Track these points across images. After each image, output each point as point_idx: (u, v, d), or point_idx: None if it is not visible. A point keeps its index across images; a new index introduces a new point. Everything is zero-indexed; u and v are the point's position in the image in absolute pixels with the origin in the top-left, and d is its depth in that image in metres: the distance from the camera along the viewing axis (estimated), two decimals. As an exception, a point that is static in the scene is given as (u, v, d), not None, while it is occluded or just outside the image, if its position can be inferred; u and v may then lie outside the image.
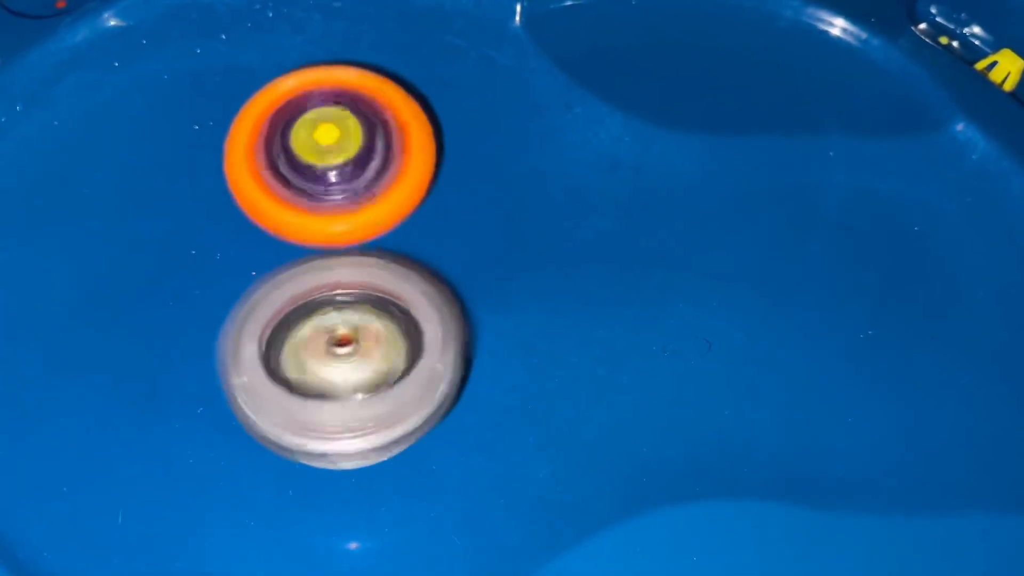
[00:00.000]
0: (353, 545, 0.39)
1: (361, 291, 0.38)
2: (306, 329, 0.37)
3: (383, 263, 0.39)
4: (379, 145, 0.41)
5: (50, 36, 0.46)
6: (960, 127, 0.48)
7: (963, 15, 0.50)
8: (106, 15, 0.47)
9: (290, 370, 0.37)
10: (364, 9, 0.49)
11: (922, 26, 0.50)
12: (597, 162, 0.47)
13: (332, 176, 0.41)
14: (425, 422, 0.36)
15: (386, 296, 0.38)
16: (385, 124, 0.42)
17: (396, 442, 0.36)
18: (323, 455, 0.36)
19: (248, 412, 0.36)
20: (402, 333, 0.37)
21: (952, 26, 0.50)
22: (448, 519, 0.40)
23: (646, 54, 0.49)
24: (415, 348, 0.37)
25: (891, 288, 0.45)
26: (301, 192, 0.41)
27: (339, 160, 0.41)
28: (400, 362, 0.37)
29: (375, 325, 0.38)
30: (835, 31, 0.49)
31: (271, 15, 0.48)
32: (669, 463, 0.41)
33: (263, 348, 0.37)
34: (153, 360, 0.41)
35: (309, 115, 0.42)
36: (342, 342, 0.37)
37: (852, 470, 0.41)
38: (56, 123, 0.46)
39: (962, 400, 0.43)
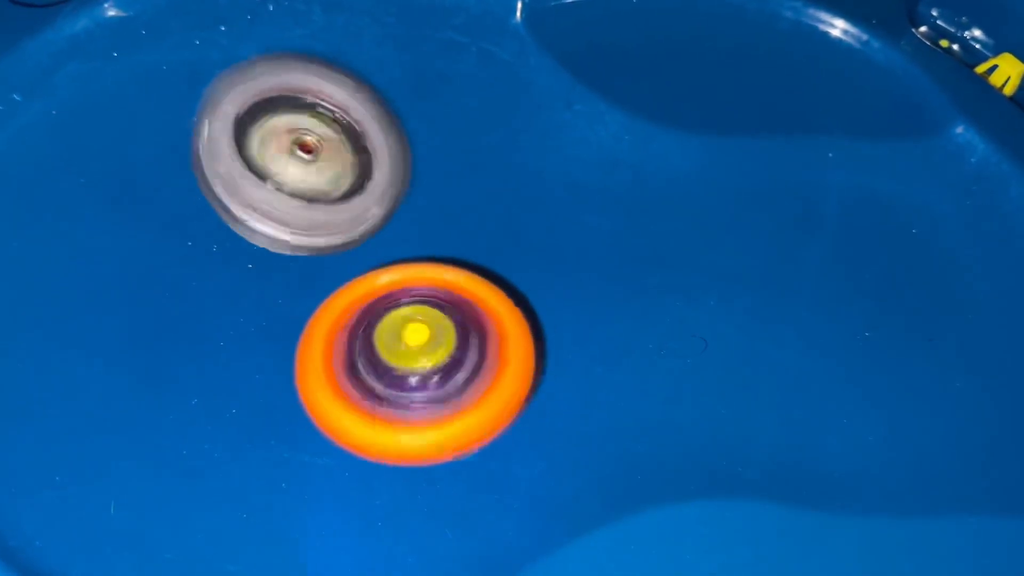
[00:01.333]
0: (347, 537, 0.39)
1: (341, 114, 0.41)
2: (281, 121, 0.41)
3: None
4: (472, 350, 0.37)
5: (49, 26, 0.46)
6: (960, 130, 0.48)
7: (964, 18, 0.50)
8: (106, 5, 0.47)
9: (254, 149, 0.41)
10: (364, 3, 0.49)
11: (923, 29, 0.50)
12: (597, 160, 0.47)
13: (416, 381, 0.37)
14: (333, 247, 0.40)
15: (356, 128, 0.41)
16: (481, 329, 0.38)
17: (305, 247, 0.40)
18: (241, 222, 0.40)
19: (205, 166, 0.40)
20: (354, 163, 0.41)
21: (953, 29, 0.51)
22: (443, 514, 0.40)
23: (647, 52, 0.49)
24: (360, 181, 0.41)
25: (888, 290, 0.45)
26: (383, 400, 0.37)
27: (429, 365, 0.37)
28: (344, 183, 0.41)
29: (339, 146, 0.41)
30: (836, 33, 0.50)
31: (271, 8, 0.48)
32: (664, 461, 0.41)
33: (240, 112, 0.41)
34: (148, 350, 0.41)
35: (400, 311, 0.38)
36: (306, 147, 0.41)
37: (847, 470, 0.41)
38: (55, 112, 0.45)
39: (958, 401, 0.43)
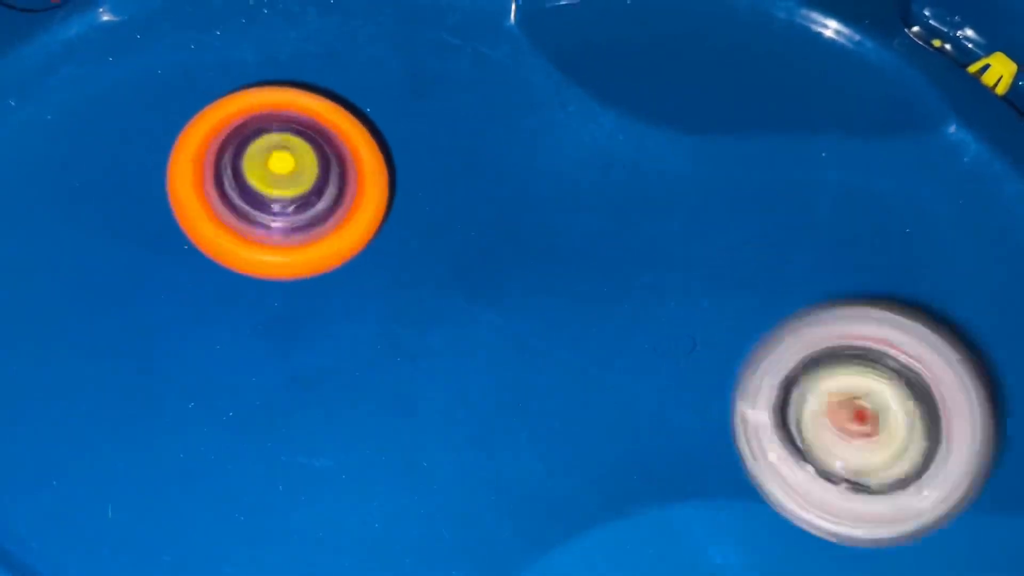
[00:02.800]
0: (344, 540, 0.39)
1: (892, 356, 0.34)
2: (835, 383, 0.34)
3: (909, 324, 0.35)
4: (332, 177, 0.41)
5: (43, 30, 0.46)
6: (952, 129, 0.48)
7: (957, 18, 0.50)
8: (100, 9, 0.47)
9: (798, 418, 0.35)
10: (359, 4, 0.49)
11: (915, 29, 0.51)
12: (590, 160, 0.47)
13: (280, 207, 0.41)
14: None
15: (918, 372, 0.34)
16: (340, 156, 0.42)
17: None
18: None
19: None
20: (924, 423, 0.34)
21: (945, 29, 0.51)
22: (439, 514, 0.40)
23: (641, 53, 0.49)
24: (933, 447, 0.34)
25: (881, 289, 0.45)
26: (246, 219, 0.41)
27: (294, 192, 0.40)
28: (915, 458, 0.34)
29: (897, 407, 0.34)
30: (828, 33, 0.50)
31: (266, 10, 0.48)
32: (659, 461, 0.41)
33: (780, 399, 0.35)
34: (143, 353, 0.41)
35: (262, 140, 0.41)
36: (859, 416, 0.34)
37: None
38: (49, 117, 0.45)
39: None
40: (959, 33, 0.51)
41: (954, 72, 0.49)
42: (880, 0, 0.50)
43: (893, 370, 0.34)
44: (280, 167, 0.41)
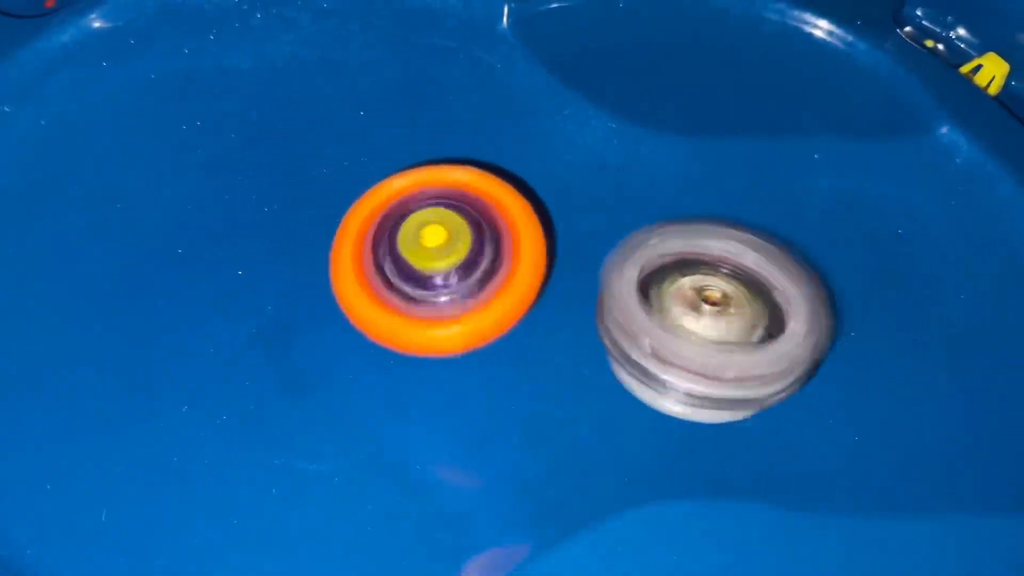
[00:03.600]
0: (340, 543, 0.40)
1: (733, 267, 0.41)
2: (684, 282, 0.40)
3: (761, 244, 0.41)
4: (488, 248, 0.40)
5: (38, 36, 0.46)
6: (945, 130, 0.48)
7: (949, 18, 0.51)
8: (94, 15, 0.47)
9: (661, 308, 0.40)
10: (353, 9, 0.49)
11: (908, 29, 0.51)
12: (584, 163, 0.47)
13: (439, 279, 0.39)
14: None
15: (763, 283, 0.40)
16: (494, 225, 0.41)
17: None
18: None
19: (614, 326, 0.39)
20: (764, 314, 0.40)
21: (938, 29, 0.51)
22: (435, 518, 0.40)
23: (634, 56, 0.49)
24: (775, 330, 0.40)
25: (875, 290, 0.45)
26: (407, 297, 0.40)
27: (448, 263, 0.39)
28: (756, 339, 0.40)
29: (745, 299, 0.40)
30: (820, 34, 0.50)
31: (260, 15, 0.48)
32: (653, 462, 0.41)
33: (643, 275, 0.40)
34: (139, 357, 0.41)
35: (416, 216, 0.40)
36: (710, 301, 0.40)
37: (833, 469, 0.41)
38: (44, 122, 0.46)
39: (943, 400, 0.43)
40: (951, 33, 0.51)
41: (946, 72, 0.49)
42: (872, 1, 0.51)
43: (735, 275, 0.40)
44: (433, 240, 0.40)
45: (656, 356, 0.39)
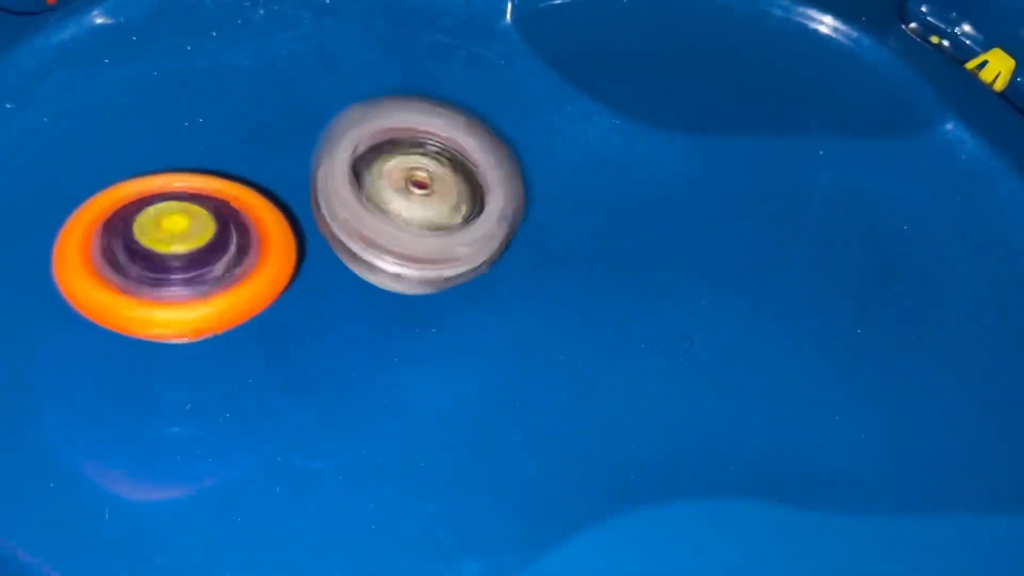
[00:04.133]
0: (340, 541, 0.40)
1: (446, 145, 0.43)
2: (393, 162, 0.42)
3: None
4: (233, 235, 0.40)
5: (39, 33, 0.46)
6: (950, 126, 0.48)
7: (954, 14, 0.51)
8: (95, 12, 0.47)
9: (370, 189, 0.41)
10: (354, 6, 0.49)
11: (912, 25, 0.51)
12: (585, 160, 0.47)
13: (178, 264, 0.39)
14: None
15: (466, 163, 0.43)
16: (236, 216, 0.40)
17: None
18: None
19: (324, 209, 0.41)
20: (468, 194, 0.42)
21: (943, 25, 0.51)
22: (435, 516, 0.40)
23: (636, 53, 0.50)
24: (476, 210, 0.42)
25: (877, 287, 0.45)
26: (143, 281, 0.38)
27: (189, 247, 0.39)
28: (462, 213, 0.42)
29: (451, 180, 0.42)
30: (825, 30, 0.50)
31: (261, 12, 0.49)
32: (653, 460, 0.41)
33: (355, 156, 0.42)
34: (140, 358, 0.42)
35: (151, 209, 0.39)
36: (419, 184, 0.42)
37: (837, 467, 0.41)
38: (45, 120, 0.46)
39: (946, 399, 0.43)
40: (956, 29, 0.51)
41: (951, 69, 0.50)
42: None
43: (437, 152, 0.43)
44: (174, 226, 0.39)
45: (364, 240, 0.40)
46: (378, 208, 0.41)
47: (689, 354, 0.43)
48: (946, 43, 0.51)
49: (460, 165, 0.42)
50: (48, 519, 0.39)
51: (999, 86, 0.49)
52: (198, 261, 0.39)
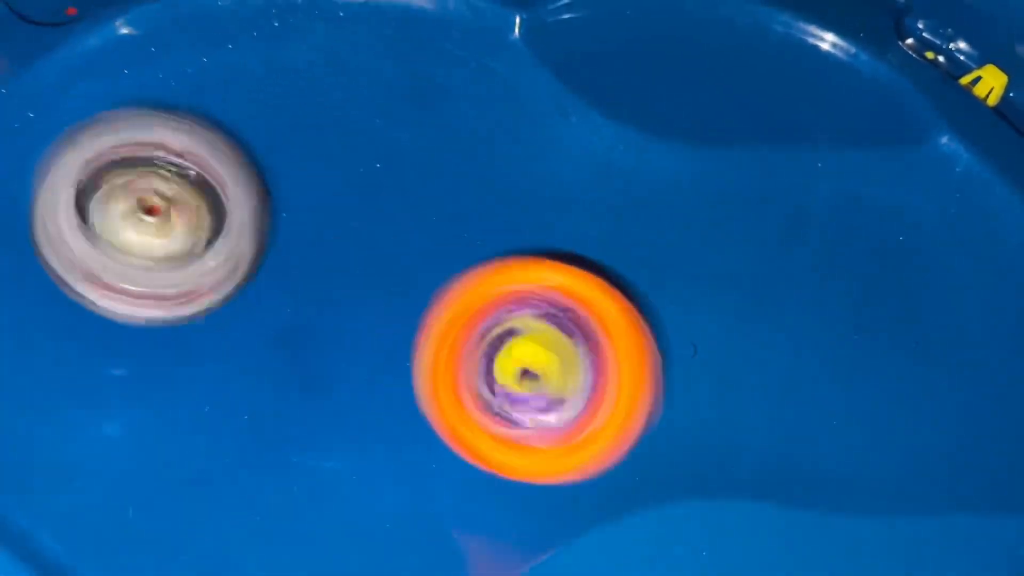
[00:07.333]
0: (354, 539, 0.40)
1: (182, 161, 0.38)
2: (120, 183, 0.38)
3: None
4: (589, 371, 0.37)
5: (61, 43, 0.47)
6: (945, 140, 0.48)
7: (949, 31, 0.51)
8: (116, 23, 0.47)
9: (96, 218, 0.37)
10: (366, 18, 0.49)
11: (909, 41, 0.51)
12: (592, 169, 0.48)
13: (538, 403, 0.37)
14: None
15: (206, 178, 0.38)
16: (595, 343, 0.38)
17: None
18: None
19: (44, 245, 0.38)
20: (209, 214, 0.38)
21: (938, 42, 0.51)
22: (443, 516, 0.41)
23: (641, 66, 0.50)
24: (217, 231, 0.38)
25: (875, 295, 0.46)
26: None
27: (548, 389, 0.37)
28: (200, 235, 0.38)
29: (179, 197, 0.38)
30: (824, 45, 0.50)
31: (276, 24, 0.49)
32: (658, 462, 0.42)
33: (81, 179, 0.38)
34: (162, 362, 0.42)
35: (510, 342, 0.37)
36: (151, 210, 0.38)
37: (836, 470, 0.42)
38: (65, 128, 0.46)
39: (941, 403, 0.44)
40: (952, 46, 0.51)
41: (946, 84, 0.50)
42: (875, 13, 0.51)
43: (170, 168, 0.38)
44: (531, 358, 0.37)
45: (98, 283, 0.37)
46: (106, 241, 0.37)
47: (692, 358, 0.44)
48: (941, 59, 0.51)
49: (199, 182, 0.39)
50: (75, 518, 0.39)
51: (992, 101, 0.50)
52: (557, 401, 0.37)
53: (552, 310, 0.38)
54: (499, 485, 0.41)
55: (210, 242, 0.38)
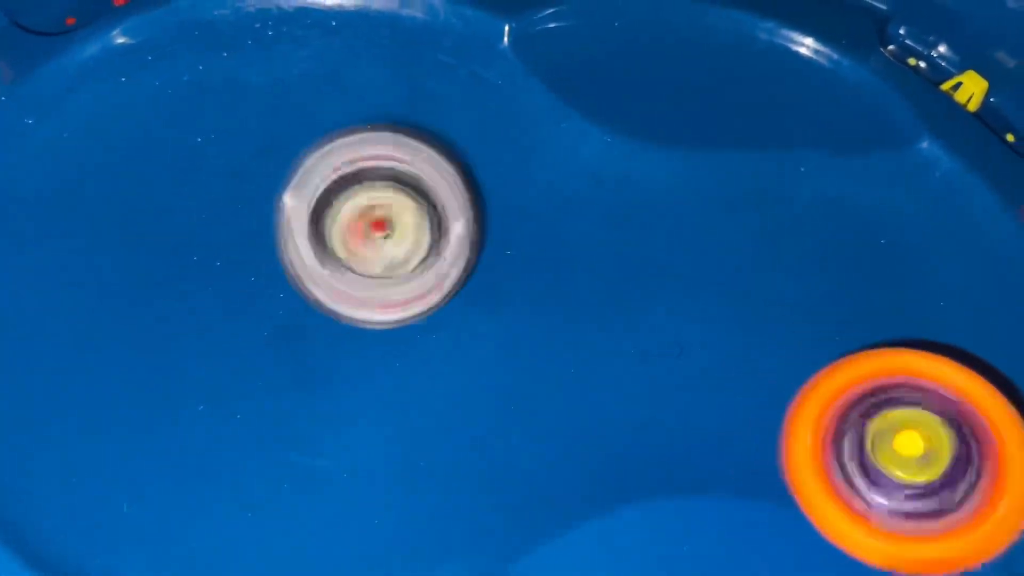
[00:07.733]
0: (346, 536, 0.41)
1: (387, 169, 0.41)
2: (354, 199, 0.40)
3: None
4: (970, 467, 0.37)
5: (61, 52, 0.47)
6: (926, 144, 0.49)
7: (931, 38, 0.51)
8: (114, 32, 0.48)
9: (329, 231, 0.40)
10: (359, 27, 0.50)
11: (891, 48, 0.52)
12: (582, 175, 0.48)
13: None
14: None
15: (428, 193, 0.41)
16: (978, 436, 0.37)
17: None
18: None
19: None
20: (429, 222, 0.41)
21: (920, 48, 0.52)
22: (438, 512, 0.41)
23: (629, 73, 0.50)
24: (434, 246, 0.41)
25: (859, 296, 0.46)
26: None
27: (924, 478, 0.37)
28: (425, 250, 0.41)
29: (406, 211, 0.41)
30: (807, 52, 0.50)
31: (271, 33, 0.49)
32: (644, 460, 0.42)
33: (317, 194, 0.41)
34: (158, 359, 0.43)
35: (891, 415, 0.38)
36: (379, 224, 0.40)
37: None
38: (66, 135, 0.47)
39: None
40: (933, 52, 0.52)
41: (928, 89, 0.50)
42: (857, 20, 0.51)
43: (400, 182, 0.41)
44: (908, 449, 0.37)
45: (339, 298, 0.40)
46: (337, 255, 0.40)
47: (681, 358, 0.44)
48: (923, 65, 0.51)
49: (420, 194, 0.41)
50: (71, 512, 0.40)
51: (972, 106, 0.50)
52: (932, 492, 0.37)
53: (932, 402, 0.38)
54: (487, 484, 0.41)
55: (431, 252, 0.41)
